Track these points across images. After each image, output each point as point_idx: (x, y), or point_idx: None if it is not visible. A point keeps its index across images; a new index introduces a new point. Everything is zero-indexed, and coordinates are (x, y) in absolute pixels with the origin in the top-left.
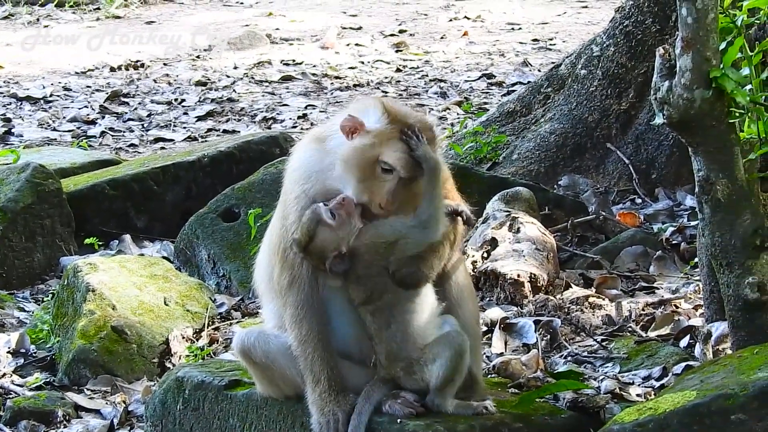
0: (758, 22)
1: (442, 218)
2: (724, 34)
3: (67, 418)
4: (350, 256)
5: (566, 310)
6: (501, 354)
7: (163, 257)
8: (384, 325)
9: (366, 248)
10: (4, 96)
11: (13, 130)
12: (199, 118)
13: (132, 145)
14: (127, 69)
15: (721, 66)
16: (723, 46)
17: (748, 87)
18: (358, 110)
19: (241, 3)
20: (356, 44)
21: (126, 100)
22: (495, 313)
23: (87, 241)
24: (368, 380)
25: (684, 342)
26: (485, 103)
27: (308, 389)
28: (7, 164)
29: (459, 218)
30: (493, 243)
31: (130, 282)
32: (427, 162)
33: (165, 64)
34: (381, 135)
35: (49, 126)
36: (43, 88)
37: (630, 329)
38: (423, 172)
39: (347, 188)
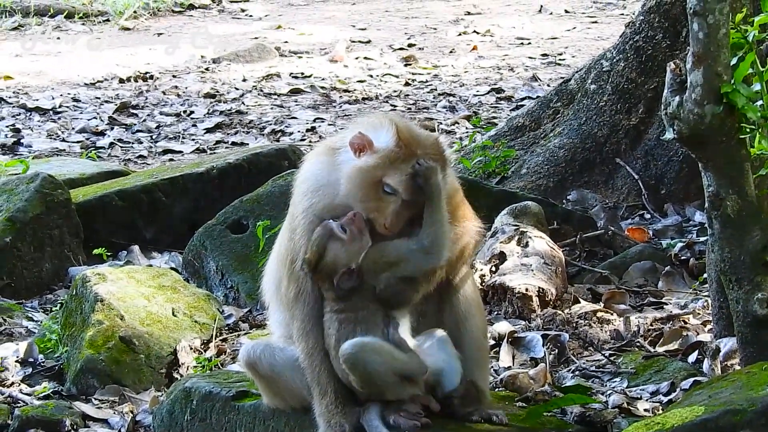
0: None
1: (446, 244)
2: (735, 49)
3: (74, 427)
4: (358, 273)
5: (574, 324)
6: (509, 368)
7: (172, 268)
8: (343, 339)
9: (365, 265)
10: (14, 107)
11: (22, 141)
12: (208, 130)
13: (141, 156)
14: (136, 81)
15: (732, 81)
16: (734, 61)
17: (759, 102)
18: (369, 127)
19: (250, 16)
20: (365, 58)
21: (135, 111)
22: (503, 326)
23: (95, 251)
24: None
25: (692, 357)
26: (494, 118)
27: (315, 401)
28: (17, 174)
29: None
30: (502, 257)
31: (138, 293)
32: (428, 188)
33: (174, 76)
34: (388, 156)
35: (58, 137)
36: (53, 99)
37: (638, 344)
38: (425, 197)
39: (354, 205)
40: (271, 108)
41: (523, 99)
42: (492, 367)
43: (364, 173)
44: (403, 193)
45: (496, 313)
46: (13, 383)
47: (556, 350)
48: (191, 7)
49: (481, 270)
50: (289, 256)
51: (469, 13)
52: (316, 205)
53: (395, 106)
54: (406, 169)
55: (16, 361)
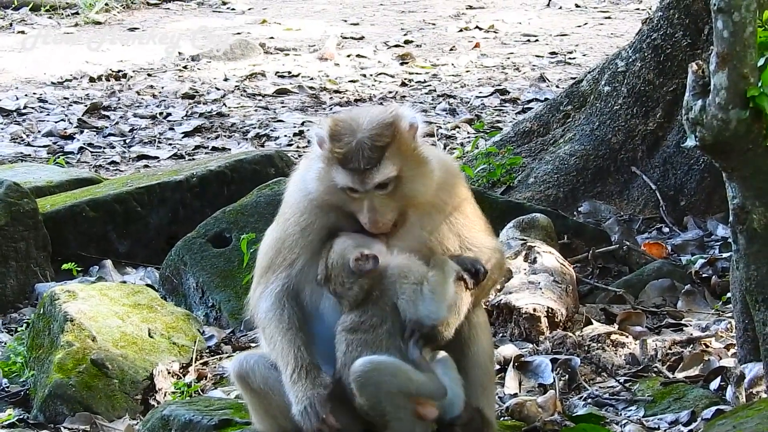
0: None
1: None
2: (762, 49)
3: None
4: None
5: (586, 347)
6: (515, 395)
7: (148, 285)
8: (350, 363)
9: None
10: None
11: None
12: (186, 134)
13: (113, 162)
14: (107, 79)
15: (759, 84)
16: (761, 62)
17: None
18: (319, 129)
19: (232, 9)
20: (358, 55)
21: (106, 113)
22: (509, 350)
23: (65, 266)
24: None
25: (714, 384)
26: (498, 122)
27: (284, 378)
28: None
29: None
30: (507, 274)
31: (111, 311)
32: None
33: (149, 75)
34: (327, 157)
35: (22, 141)
36: (17, 99)
37: (656, 370)
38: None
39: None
40: (256, 110)
41: (530, 101)
42: (497, 394)
43: (320, 180)
44: (356, 185)
45: (501, 335)
46: None
47: (567, 376)
48: None
49: None
50: (265, 262)
51: (471, 7)
52: (311, 225)
53: None
54: (345, 163)
55: None
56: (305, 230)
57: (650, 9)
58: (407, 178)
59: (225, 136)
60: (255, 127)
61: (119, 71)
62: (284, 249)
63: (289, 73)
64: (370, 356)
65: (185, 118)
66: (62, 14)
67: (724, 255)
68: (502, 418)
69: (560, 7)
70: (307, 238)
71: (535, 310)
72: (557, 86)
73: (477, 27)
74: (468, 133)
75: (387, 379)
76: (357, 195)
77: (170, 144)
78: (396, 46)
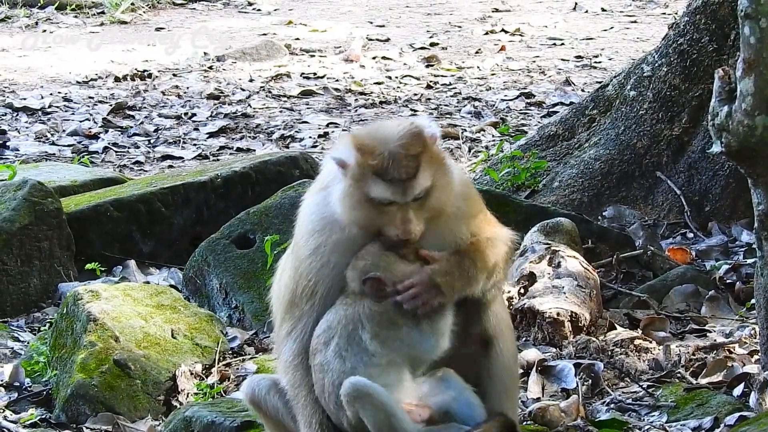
0: None
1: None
2: None
3: None
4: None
5: (609, 352)
6: (538, 399)
7: (171, 286)
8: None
9: None
10: None
11: (8, 144)
12: (211, 135)
13: (137, 162)
14: (133, 79)
15: None
16: None
17: None
18: (339, 148)
19: (258, 10)
20: (383, 57)
21: (131, 113)
22: (532, 354)
23: (88, 266)
24: None
25: (738, 390)
26: (524, 125)
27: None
28: (2, 181)
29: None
30: (531, 278)
31: (134, 312)
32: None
33: (174, 75)
34: (358, 171)
35: (47, 140)
36: (42, 98)
37: (679, 375)
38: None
39: (364, 230)
40: (281, 111)
41: (555, 105)
42: (519, 398)
43: (348, 196)
44: (396, 197)
45: (524, 339)
46: None
47: (590, 381)
48: None
49: (509, 292)
50: (288, 296)
51: (496, 10)
52: (324, 244)
53: (415, 110)
54: (384, 174)
55: (1, 385)
56: (318, 249)
57: (677, 14)
58: (436, 187)
59: (250, 137)
60: (280, 129)
61: (144, 71)
62: (302, 279)
63: (315, 74)
64: (366, 380)
65: (210, 118)
66: (88, 13)
67: (749, 261)
68: (524, 423)
69: (586, 11)
70: (319, 260)
71: (558, 314)
72: (583, 90)
73: (503, 30)
74: (493, 136)
75: (370, 412)
76: (393, 207)
77: (195, 144)
78: (422, 48)
